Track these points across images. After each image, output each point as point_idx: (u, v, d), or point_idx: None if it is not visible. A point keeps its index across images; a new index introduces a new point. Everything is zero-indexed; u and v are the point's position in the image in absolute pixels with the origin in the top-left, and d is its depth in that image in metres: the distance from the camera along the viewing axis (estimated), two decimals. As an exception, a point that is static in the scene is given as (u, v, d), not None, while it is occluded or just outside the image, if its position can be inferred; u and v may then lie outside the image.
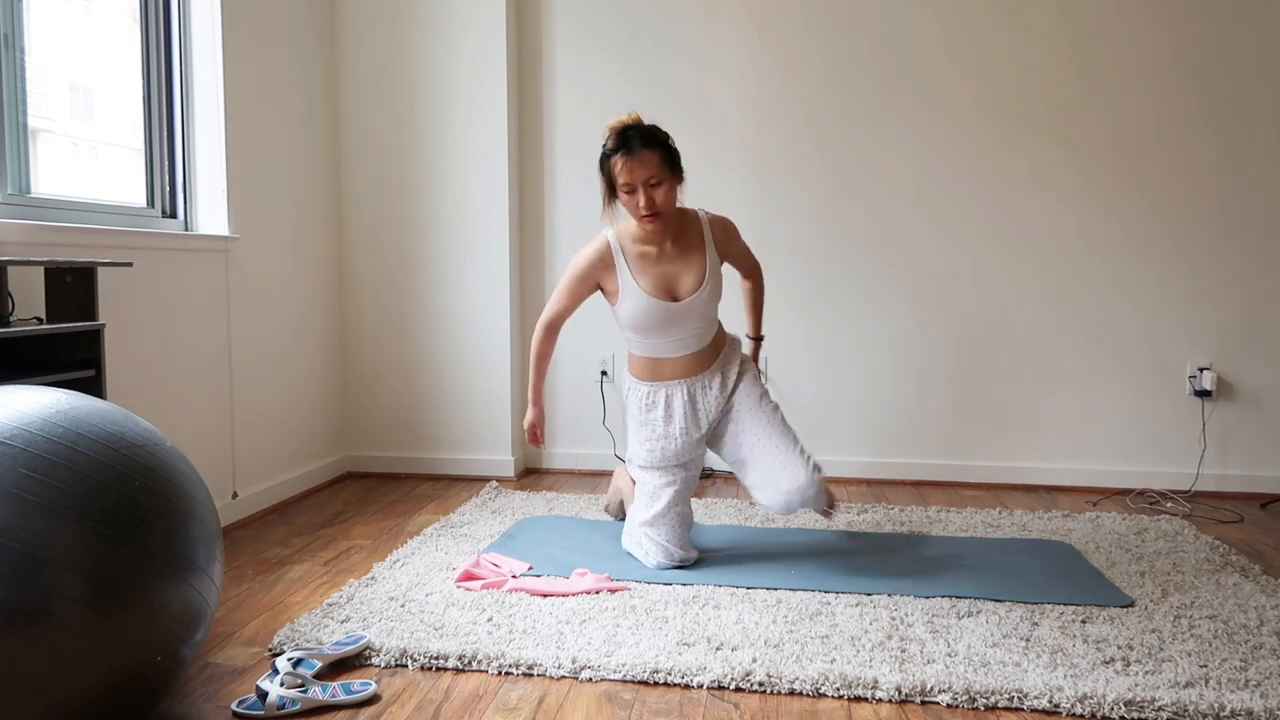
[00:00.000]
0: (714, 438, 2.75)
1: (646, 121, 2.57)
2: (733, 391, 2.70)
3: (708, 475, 3.93)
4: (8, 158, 2.48)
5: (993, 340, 3.79)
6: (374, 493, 3.67)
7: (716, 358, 2.69)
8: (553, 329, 2.72)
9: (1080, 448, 3.77)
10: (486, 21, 3.80)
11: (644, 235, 2.58)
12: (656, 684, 1.99)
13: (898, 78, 3.76)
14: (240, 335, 3.28)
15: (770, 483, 2.61)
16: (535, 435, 2.77)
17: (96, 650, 1.55)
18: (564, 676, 2.02)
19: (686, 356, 2.64)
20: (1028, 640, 2.17)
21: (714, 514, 3.27)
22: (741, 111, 3.84)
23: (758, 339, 2.95)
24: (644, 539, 2.66)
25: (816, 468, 2.61)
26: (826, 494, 2.70)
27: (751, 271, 2.86)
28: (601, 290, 2.67)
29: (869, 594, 2.47)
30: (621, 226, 2.63)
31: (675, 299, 2.56)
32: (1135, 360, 3.73)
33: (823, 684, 1.95)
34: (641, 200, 2.48)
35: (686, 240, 2.58)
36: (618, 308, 2.65)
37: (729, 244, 2.70)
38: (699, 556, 2.70)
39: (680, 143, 2.63)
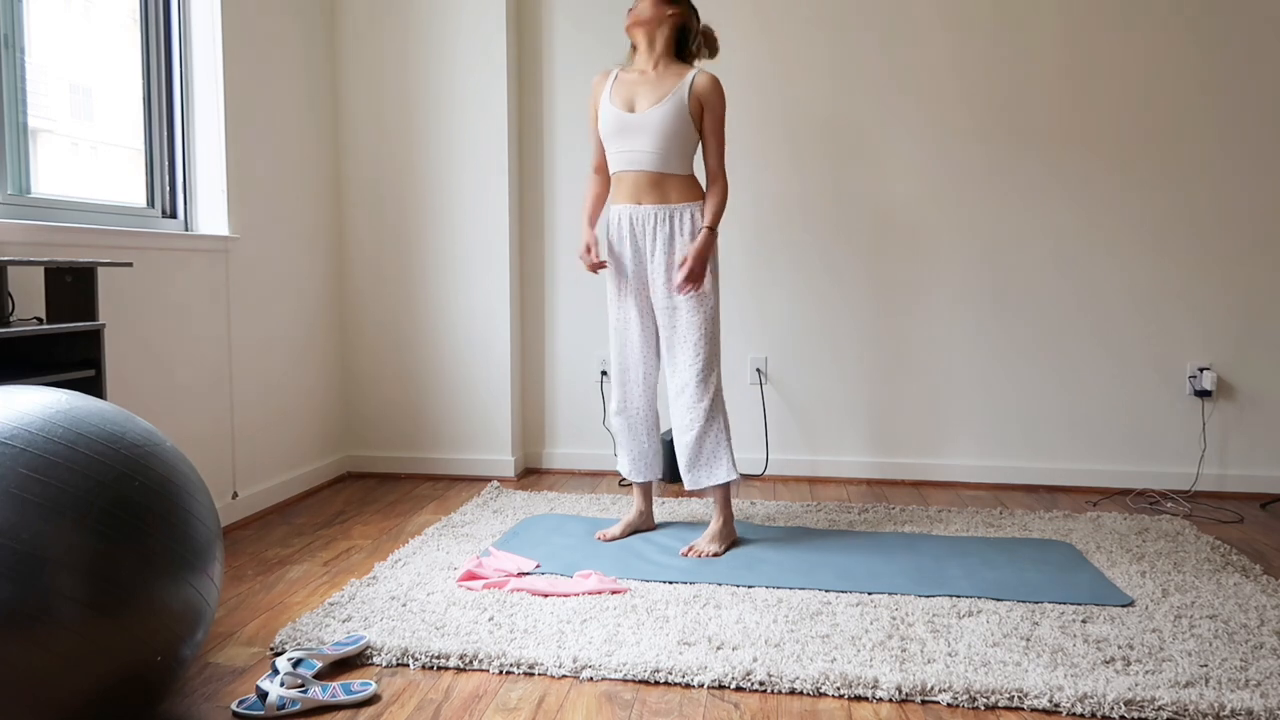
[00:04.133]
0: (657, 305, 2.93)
1: None
2: (674, 272, 2.86)
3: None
4: (8, 158, 2.48)
5: (993, 339, 3.79)
6: (374, 493, 3.67)
7: (665, 201, 2.87)
8: (595, 170, 3.06)
9: (1080, 448, 3.78)
10: (486, 24, 3.80)
11: (636, 58, 2.94)
12: (657, 683, 1.99)
13: (900, 78, 3.76)
14: (240, 336, 3.28)
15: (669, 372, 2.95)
16: (589, 252, 2.95)
17: (96, 650, 1.55)
18: (564, 676, 2.02)
19: (636, 174, 2.86)
20: (1028, 640, 2.17)
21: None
22: (743, 109, 3.84)
23: (706, 228, 2.85)
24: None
25: (703, 386, 2.86)
26: (720, 529, 2.91)
27: (707, 163, 2.89)
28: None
29: (869, 594, 2.47)
30: (626, 64, 2.98)
31: (632, 112, 2.87)
32: (1135, 360, 3.73)
33: (823, 683, 1.95)
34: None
35: (668, 75, 2.88)
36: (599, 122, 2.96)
37: (704, 99, 2.84)
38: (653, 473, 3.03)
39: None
